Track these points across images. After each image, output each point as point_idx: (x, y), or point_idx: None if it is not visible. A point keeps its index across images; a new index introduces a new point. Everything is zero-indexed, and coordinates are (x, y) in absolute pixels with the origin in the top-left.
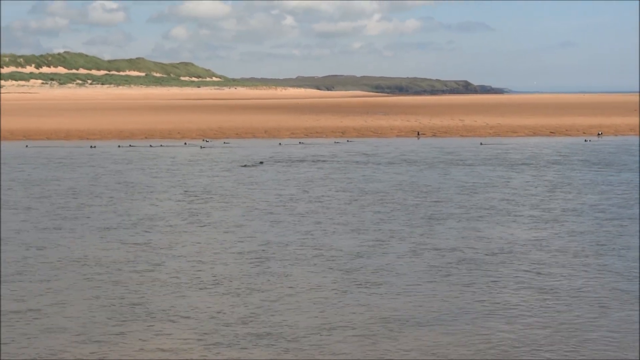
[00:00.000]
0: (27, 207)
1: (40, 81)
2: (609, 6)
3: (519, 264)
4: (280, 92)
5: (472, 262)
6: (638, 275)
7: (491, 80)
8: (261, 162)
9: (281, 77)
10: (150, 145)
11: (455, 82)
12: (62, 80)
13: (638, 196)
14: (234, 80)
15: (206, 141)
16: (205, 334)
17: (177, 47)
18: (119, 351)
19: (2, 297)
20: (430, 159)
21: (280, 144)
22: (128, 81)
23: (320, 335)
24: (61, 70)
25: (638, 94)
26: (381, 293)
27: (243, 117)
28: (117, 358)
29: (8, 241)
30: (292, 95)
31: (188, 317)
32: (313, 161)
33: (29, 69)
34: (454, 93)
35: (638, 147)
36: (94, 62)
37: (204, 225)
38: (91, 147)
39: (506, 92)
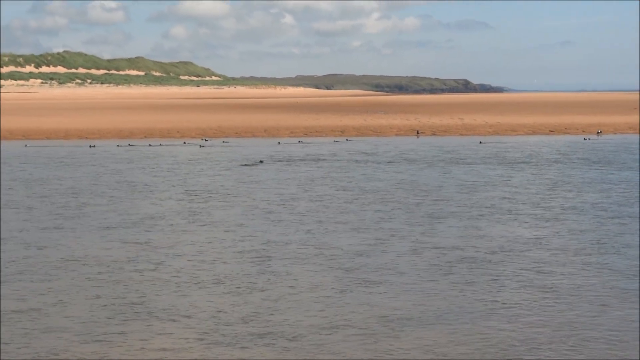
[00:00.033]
0: (28, 206)
1: (39, 81)
2: (608, 5)
3: (520, 263)
4: (280, 91)
5: (472, 260)
6: (638, 273)
7: (490, 79)
8: (261, 161)
9: (280, 76)
10: (150, 145)
11: (455, 80)
12: (62, 79)
13: (638, 194)
14: (233, 79)
15: (205, 140)
16: (206, 333)
17: (176, 46)
18: (119, 350)
19: (3, 297)
20: (430, 158)
21: (279, 143)
22: (127, 80)
23: (321, 334)
24: (60, 69)
25: (638, 92)
26: (382, 292)
27: (242, 116)
28: (118, 357)
29: (9, 240)
30: (292, 94)
31: (189, 317)
32: (313, 160)
33: (29, 68)
34: (454, 92)
35: (638, 146)
36: (93, 62)
37: (205, 225)
38: (90, 146)
39: (505, 90)
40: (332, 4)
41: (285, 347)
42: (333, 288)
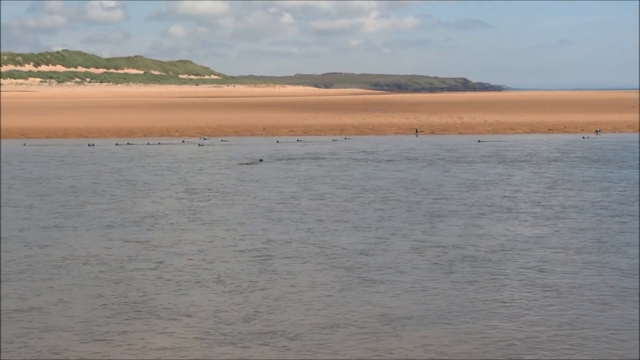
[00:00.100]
0: (28, 205)
1: (38, 79)
2: (607, 5)
3: (521, 261)
4: (279, 89)
5: (473, 259)
6: (639, 272)
7: (489, 77)
8: (261, 160)
9: (279, 75)
10: (148, 143)
11: (454, 79)
12: (61, 78)
13: (638, 193)
14: (232, 78)
15: (204, 139)
16: (207, 332)
17: (175, 45)
18: (120, 350)
19: (4, 296)
20: (430, 156)
21: (278, 141)
22: (126, 79)
23: (322, 333)
24: (60, 68)
25: (637, 91)
26: (383, 291)
27: (241, 115)
28: (119, 356)
29: (9, 239)
30: (291, 93)
31: (190, 315)
32: (313, 159)
33: (28, 67)
34: (452, 90)
35: (637, 144)
36: (92, 60)
37: (206, 223)
38: (89, 145)
39: (504, 89)
40: (331, 3)
41: (286, 346)
42: (334, 287)
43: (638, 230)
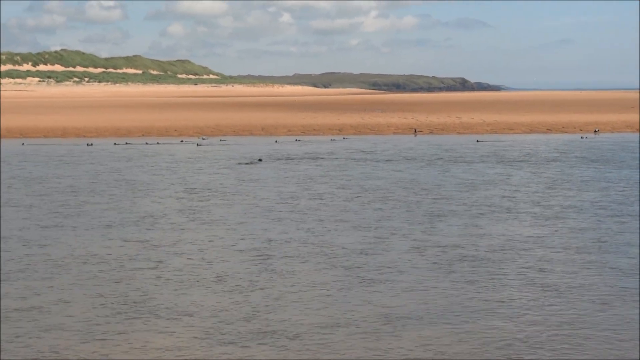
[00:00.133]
0: (28, 204)
1: (37, 79)
2: (607, 4)
3: (521, 261)
4: (277, 89)
5: (473, 259)
6: (639, 272)
7: (488, 77)
8: (260, 160)
9: (278, 75)
10: (147, 143)
11: (452, 79)
12: (59, 78)
13: (638, 193)
14: (231, 77)
15: (203, 139)
16: (207, 332)
17: (174, 44)
18: (121, 349)
19: (4, 295)
20: (429, 156)
21: (276, 141)
22: (125, 79)
23: (323, 333)
24: (58, 68)
25: (636, 91)
26: (383, 290)
27: (240, 115)
28: (119, 356)
29: (9, 239)
30: (289, 93)
31: (191, 315)
32: (312, 158)
33: (26, 66)
34: (451, 90)
35: (637, 144)
36: (90, 60)
37: (206, 223)
38: (88, 144)
39: (503, 89)
40: (330, 3)
41: (286, 346)
42: (334, 286)
43: (638, 230)
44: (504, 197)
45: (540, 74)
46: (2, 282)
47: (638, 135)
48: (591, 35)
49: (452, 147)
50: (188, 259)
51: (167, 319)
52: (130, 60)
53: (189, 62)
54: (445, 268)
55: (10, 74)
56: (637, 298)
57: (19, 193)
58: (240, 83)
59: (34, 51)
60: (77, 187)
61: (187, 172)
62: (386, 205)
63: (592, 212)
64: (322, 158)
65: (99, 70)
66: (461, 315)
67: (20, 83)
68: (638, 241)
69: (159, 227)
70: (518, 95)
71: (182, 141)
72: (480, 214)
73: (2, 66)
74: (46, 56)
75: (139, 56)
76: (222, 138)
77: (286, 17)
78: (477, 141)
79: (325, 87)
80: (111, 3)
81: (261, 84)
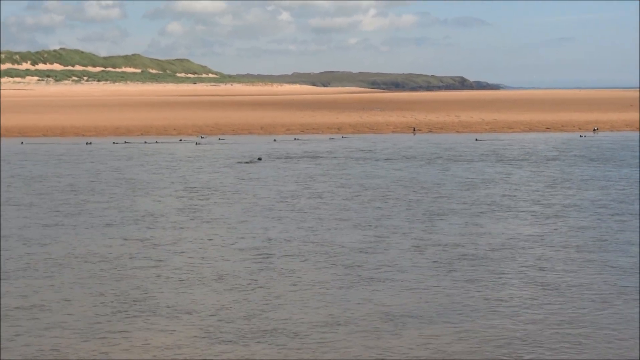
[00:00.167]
0: (28, 203)
1: (36, 78)
2: (606, 2)
3: (521, 260)
4: (276, 88)
5: (474, 257)
6: (639, 270)
7: (487, 76)
8: (259, 159)
9: (277, 73)
10: (145, 142)
11: (451, 78)
12: (58, 76)
13: (638, 192)
14: (229, 76)
15: (202, 137)
16: (208, 330)
17: (173, 43)
18: (122, 347)
19: (5, 294)
20: (428, 155)
21: (275, 140)
22: (124, 78)
23: (323, 332)
24: (57, 66)
25: (635, 89)
26: (384, 289)
27: (239, 114)
28: (120, 354)
29: (10, 237)
30: (288, 92)
31: (191, 313)
32: (311, 157)
33: (25, 65)
34: (450, 89)
35: (635, 143)
36: (89, 59)
37: (206, 222)
38: (87, 143)
39: (502, 87)
40: (328, 1)
41: (286, 345)
42: (334, 285)
43: (638, 229)
44: (504, 195)
45: (539, 73)
46: (2, 281)
47: (637, 134)
48: (591, 34)
49: (451, 145)
50: (188, 257)
51: (168, 318)
52: (129, 59)
53: (188, 61)
54: (446, 267)
55: (9, 73)
56: (637, 297)
57: (19, 192)
58: (239, 82)
59: (32, 50)
60: (77, 186)
61: (187, 171)
62: (386, 204)
63: (592, 210)
64: (321, 157)
65: (98, 69)
66: (461, 313)
67: (19, 82)
68: (638, 240)
69: (159, 226)
70: (517, 94)
71: (180, 140)
72: (481, 212)
73: (1, 65)
74: (45, 55)
75: (138, 55)
76: (221, 137)
77: (285, 16)
78: (476, 140)
79: (324, 85)
80: (110, 2)
81: (260, 83)
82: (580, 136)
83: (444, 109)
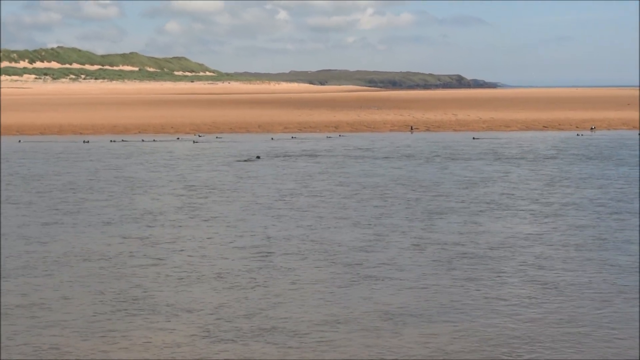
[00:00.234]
0: (28, 201)
1: (33, 76)
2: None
3: (520, 258)
4: (274, 86)
5: (473, 256)
6: (638, 269)
7: (485, 74)
8: (258, 157)
9: (274, 72)
10: (143, 140)
11: (449, 76)
12: (56, 75)
13: (637, 190)
14: (227, 74)
15: (199, 136)
16: (208, 328)
17: (170, 41)
18: (122, 346)
19: (5, 292)
20: (427, 153)
21: (272, 138)
22: (121, 76)
23: (323, 330)
24: (54, 65)
25: (632, 88)
26: (383, 287)
27: (237, 112)
28: (120, 353)
29: (10, 236)
30: (286, 90)
31: (191, 312)
32: (309, 156)
33: (23, 63)
34: (447, 87)
35: (633, 141)
36: (87, 57)
37: (205, 220)
38: (84, 142)
39: (499, 86)
40: (326, 1)
41: (286, 343)
42: (334, 283)
43: (637, 228)
44: (502, 194)
45: (537, 72)
46: (2, 279)
47: (635, 132)
48: (589, 33)
49: (449, 144)
50: (188, 256)
51: (167, 316)
52: (126, 58)
53: (186, 59)
54: (445, 265)
55: (7, 71)
56: (637, 296)
57: (18, 190)
58: (237, 80)
59: (30, 48)
60: (76, 184)
61: (186, 170)
62: (385, 202)
63: (591, 209)
64: (319, 155)
65: (96, 67)
66: (461, 312)
67: (16, 80)
68: (638, 238)
69: (159, 224)
70: (514, 93)
71: (178, 138)
72: (480, 211)
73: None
74: (43, 53)
75: (136, 53)
76: (219, 135)
77: (283, 15)
78: (474, 138)
79: (321, 84)
80: (108, 1)
81: (257, 81)
82: (578, 135)
83: (441, 107)
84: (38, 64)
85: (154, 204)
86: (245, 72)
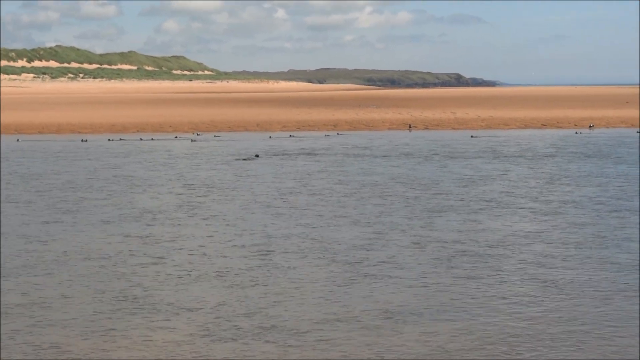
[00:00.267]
0: (27, 200)
1: (32, 75)
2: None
3: (521, 257)
4: (272, 85)
5: (473, 254)
6: (639, 267)
7: (483, 73)
8: (257, 156)
9: (273, 71)
10: (141, 139)
11: (447, 74)
12: (54, 74)
13: (636, 188)
14: (225, 73)
15: (197, 134)
16: (208, 327)
17: (169, 40)
18: (122, 344)
19: (6, 291)
20: (425, 152)
21: (270, 137)
22: (120, 75)
23: (323, 329)
24: (53, 64)
25: (631, 86)
26: (384, 286)
27: (235, 111)
28: (120, 351)
29: (10, 234)
30: (284, 89)
31: (191, 310)
32: (308, 154)
33: (21, 62)
34: (446, 86)
35: (632, 139)
36: (85, 56)
37: (205, 219)
38: (82, 140)
39: (498, 85)
40: (325, 0)
41: (286, 342)
42: (334, 282)
43: (637, 225)
44: (502, 192)
45: (535, 70)
46: (2, 278)
47: (633, 130)
48: (588, 32)
49: (448, 142)
50: (188, 254)
51: (167, 315)
52: (125, 56)
53: (184, 58)
54: (445, 263)
55: (5, 70)
56: (637, 294)
57: (17, 189)
58: (235, 79)
59: (28, 47)
60: (75, 183)
61: (185, 168)
62: (385, 200)
63: (591, 207)
64: (318, 154)
65: (94, 66)
66: (461, 310)
67: (15, 79)
68: (638, 236)
69: (159, 223)
70: (512, 91)
71: (176, 137)
72: (479, 209)
73: None
74: (41, 52)
75: (134, 52)
76: (217, 134)
77: (281, 13)
78: (472, 137)
79: (320, 82)
80: (106, 0)
81: (256, 80)
82: (576, 133)
83: (439, 105)
84: (36, 63)
85: (153, 202)
86: (243, 70)
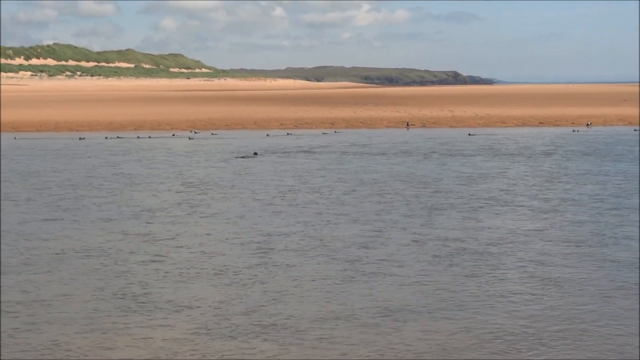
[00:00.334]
0: (26, 198)
1: (29, 73)
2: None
3: (520, 254)
4: (270, 83)
5: (473, 252)
6: (639, 265)
7: (481, 70)
8: (255, 154)
9: (270, 68)
10: (138, 137)
11: (445, 72)
12: (51, 72)
13: (635, 186)
14: (223, 71)
15: (195, 132)
16: (208, 325)
17: (166, 38)
18: (123, 342)
19: (6, 289)
20: (424, 150)
21: (268, 135)
22: (117, 73)
23: (323, 327)
24: (50, 62)
25: (629, 84)
26: (384, 284)
27: (232, 109)
28: (120, 349)
29: (10, 232)
30: (282, 87)
31: (191, 308)
32: (307, 152)
33: (18, 60)
34: (443, 84)
35: (629, 137)
36: (83, 54)
37: (205, 216)
38: (80, 138)
39: (495, 82)
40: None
41: (286, 339)
42: (334, 280)
43: (637, 223)
44: (501, 190)
45: (533, 68)
46: (2, 276)
47: (631, 128)
48: (585, 29)
49: (446, 140)
50: (188, 252)
51: (167, 313)
52: (122, 54)
53: (182, 55)
54: (445, 261)
55: (3, 68)
56: (637, 292)
57: (16, 187)
58: (233, 77)
59: (26, 45)
60: (74, 181)
61: (184, 166)
62: (384, 198)
63: (591, 205)
64: (317, 152)
65: (92, 64)
66: (461, 308)
67: (12, 77)
68: (637, 234)
69: (158, 221)
70: (510, 89)
71: (173, 135)
72: (479, 207)
73: None
74: (39, 50)
75: (132, 50)
76: (214, 132)
77: (279, 11)
78: (469, 135)
79: (317, 80)
80: None
81: (253, 78)
82: (574, 131)
83: (437, 103)
84: (34, 61)
85: (152, 200)
86: (241, 68)
